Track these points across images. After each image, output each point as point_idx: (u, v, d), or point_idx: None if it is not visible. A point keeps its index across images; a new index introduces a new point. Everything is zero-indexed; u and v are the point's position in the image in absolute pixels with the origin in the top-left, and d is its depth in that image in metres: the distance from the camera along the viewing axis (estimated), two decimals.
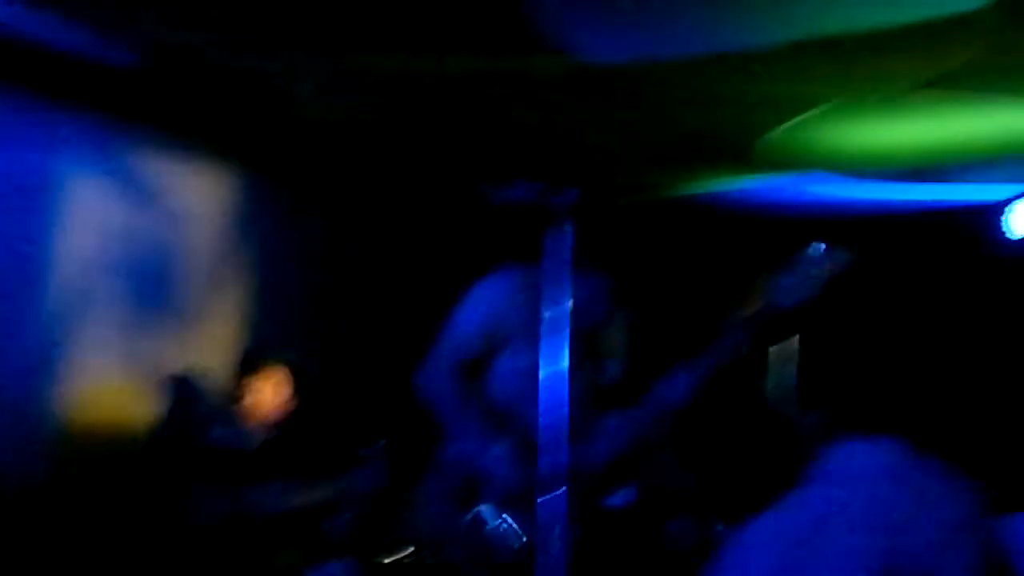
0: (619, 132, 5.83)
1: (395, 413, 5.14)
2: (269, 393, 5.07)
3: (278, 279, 5.94)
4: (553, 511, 3.09)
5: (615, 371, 4.10)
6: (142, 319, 5.18)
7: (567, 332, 3.21)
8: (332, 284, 6.26)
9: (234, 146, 5.67)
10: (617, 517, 4.00)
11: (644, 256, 3.97)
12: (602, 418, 3.95)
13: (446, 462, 3.94)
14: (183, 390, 5.34)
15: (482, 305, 3.95)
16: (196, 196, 5.52)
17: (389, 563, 4.45)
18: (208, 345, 5.54)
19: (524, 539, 3.69)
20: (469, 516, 3.85)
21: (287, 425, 5.12)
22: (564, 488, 3.12)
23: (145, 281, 5.20)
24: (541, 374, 3.17)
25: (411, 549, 4.43)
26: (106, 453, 4.93)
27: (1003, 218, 6.44)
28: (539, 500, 3.10)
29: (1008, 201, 6.48)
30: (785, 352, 4.50)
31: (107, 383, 5.02)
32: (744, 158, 6.11)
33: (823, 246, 3.93)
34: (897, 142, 5.76)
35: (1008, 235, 6.43)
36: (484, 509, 3.83)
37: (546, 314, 3.22)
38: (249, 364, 5.14)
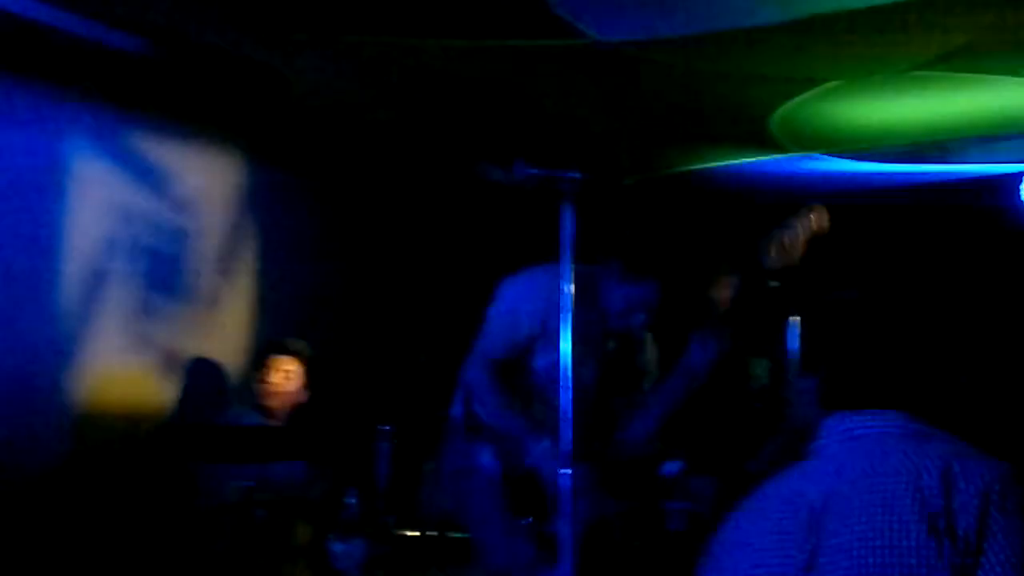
0: (623, 110, 5.84)
1: (404, 398, 5.19)
2: (285, 378, 5.11)
3: (287, 265, 5.96)
4: (569, 487, 3.21)
5: (645, 357, 4.14)
6: (155, 304, 5.21)
7: (569, 316, 3.28)
8: (339, 270, 6.29)
9: (242, 133, 5.69)
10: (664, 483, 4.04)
11: (651, 233, 3.97)
12: (638, 397, 3.99)
13: (486, 460, 3.95)
14: (198, 373, 5.38)
15: (511, 303, 3.94)
16: (206, 183, 5.54)
17: (403, 540, 4.49)
18: (219, 330, 5.58)
19: None
20: None
21: (301, 409, 5.17)
22: (576, 467, 3.22)
23: (157, 266, 5.23)
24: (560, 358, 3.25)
25: (424, 527, 4.47)
26: (122, 435, 4.97)
27: (1019, 189, 6.43)
28: (560, 473, 3.21)
29: (1019, 175, 6.48)
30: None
31: (121, 366, 5.06)
32: (748, 137, 6.12)
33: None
34: (899, 121, 5.77)
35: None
36: None
37: (558, 295, 3.29)
38: (266, 350, 5.20)
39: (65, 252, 4.81)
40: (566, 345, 3.28)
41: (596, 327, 3.88)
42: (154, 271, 5.22)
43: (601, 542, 3.71)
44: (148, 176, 5.22)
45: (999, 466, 2.12)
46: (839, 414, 2.25)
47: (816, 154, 6.45)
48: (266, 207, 5.86)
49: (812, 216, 3.99)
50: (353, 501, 4.49)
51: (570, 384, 3.25)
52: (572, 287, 3.33)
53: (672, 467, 4.00)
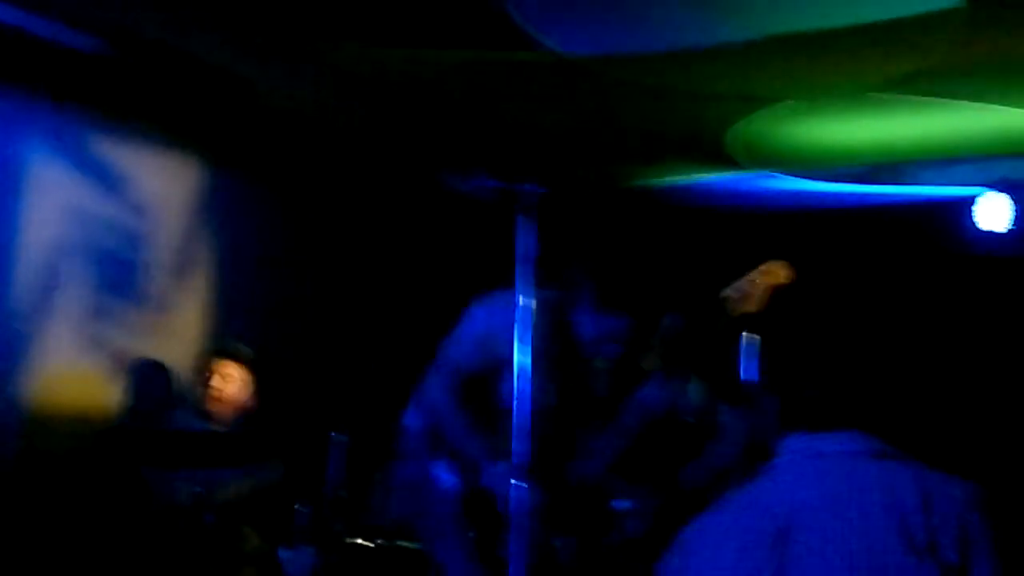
0: (582, 125, 5.86)
1: (356, 405, 5.17)
2: (231, 383, 5.08)
3: (242, 271, 5.93)
4: (520, 499, 3.24)
5: (605, 385, 4.15)
6: (107, 307, 5.17)
7: (531, 331, 3.29)
8: (295, 277, 6.26)
9: (200, 137, 5.66)
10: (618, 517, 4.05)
11: (611, 248, 3.98)
12: (593, 432, 4.00)
13: (444, 475, 3.95)
14: (146, 377, 5.34)
15: (481, 324, 3.93)
16: (162, 186, 5.50)
17: (354, 548, 4.48)
18: (172, 334, 5.54)
19: None
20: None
21: (249, 414, 5.14)
22: (526, 482, 3.25)
23: (110, 269, 5.19)
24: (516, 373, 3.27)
25: (375, 536, 4.46)
26: (71, 438, 4.93)
27: (971, 212, 6.50)
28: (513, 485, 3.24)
29: (972, 198, 6.55)
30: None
31: (71, 369, 5.01)
32: (706, 152, 6.15)
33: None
34: (855, 141, 5.82)
35: (977, 228, 6.49)
36: None
37: (517, 306, 3.29)
38: (212, 354, 5.16)
39: (18, 253, 4.77)
40: (524, 359, 3.29)
41: (566, 355, 3.88)
42: (108, 274, 5.18)
43: (548, 567, 3.71)
44: (104, 178, 5.18)
45: (972, 487, 2.15)
46: (801, 433, 2.26)
47: (771, 172, 6.49)
48: (223, 212, 5.83)
49: (771, 269, 4.06)
50: (304, 509, 4.47)
51: (528, 402, 3.26)
52: (535, 305, 3.34)
53: (624, 503, 4.00)
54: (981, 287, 6.64)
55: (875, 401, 2.28)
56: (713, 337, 4.27)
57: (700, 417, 4.37)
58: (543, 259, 3.40)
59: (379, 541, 4.45)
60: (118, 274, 5.24)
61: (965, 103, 5.04)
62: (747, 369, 4.67)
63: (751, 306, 4.07)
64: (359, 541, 4.50)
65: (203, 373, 5.11)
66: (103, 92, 5.03)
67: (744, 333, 4.43)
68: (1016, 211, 6.26)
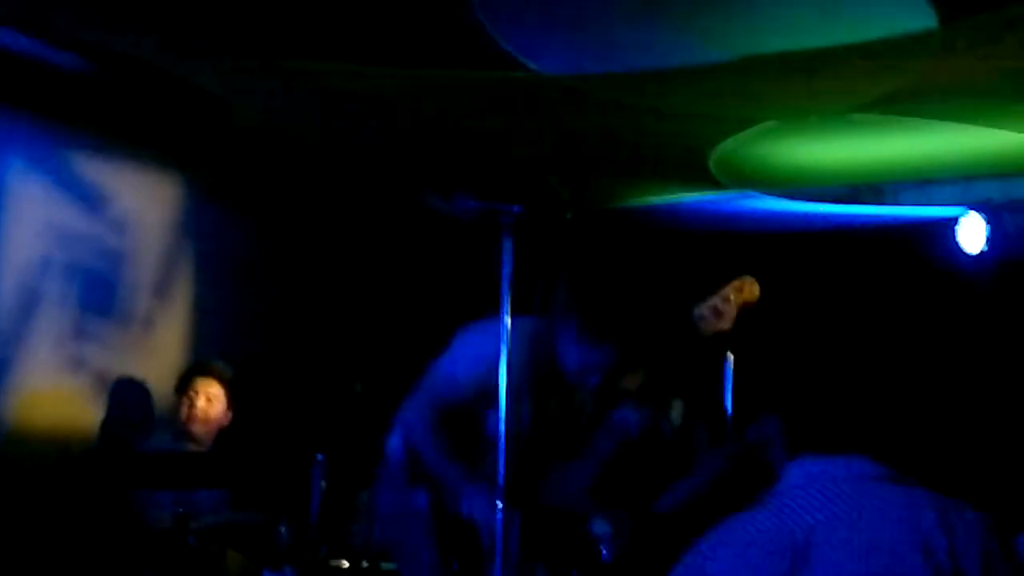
0: (563, 144, 5.87)
1: (338, 426, 5.16)
2: (211, 402, 5.06)
3: (222, 289, 5.92)
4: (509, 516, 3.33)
5: (584, 413, 4.16)
6: (87, 325, 5.15)
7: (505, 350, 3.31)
8: (276, 296, 6.25)
9: (181, 155, 5.65)
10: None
11: (593, 269, 3.98)
12: (570, 457, 4.00)
13: (422, 502, 3.95)
14: (126, 396, 5.32)
15: (469, 354, 3.93)
16: (142, 204, 5.50)
17: (335, 570, 4.47)
18: (152, 353, 5.52)
19: None
20: None
21: (226, 433, 5.12)
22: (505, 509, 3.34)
23: (90, 287, 5.17)
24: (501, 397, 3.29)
25: (358, 558, 4.45)
26: (50, 458, 4.90)
27: (955, 234, 6.52)
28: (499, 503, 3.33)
29: (954, 219, 6.57)
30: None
31: (51, 389, 5.00)
32: (686, 174, 6.17)
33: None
34: (836, 162, 5.84)
35: (959, 250, 6.51)
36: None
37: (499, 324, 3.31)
38: (192, 373, 5.14)
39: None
40: (506, 386, 3.31)
41: (548, 383, 3.88)
42: (88, 292, 5.17)
43: None
44: (84, 196, 5.17)
45: (985, 515, 2.15)
46: (808, 456, 2.24)
47: (753, 193, 6.51)
48: (203, 231, 5.82)
49: (743, 286, 4.08)
50: (284, 530, 4.46)
51: (502, 428, 3.28)
52: (519, 332, 3.36)
53: (601, 526, 4.00)
54: (965, 307, 6.65)
55: (883, 425, 2.26)
56: (694, 358, 4.29)
57: (679, 438, 4.37)
58: (526, 281, 3.41)
59: (360, 563, 4.44)
60: (98, 292, 5.23)
61: (944, 123, 5.07)
62: (730, 390, 4.69)
63: (724, 324, 4.09)
64: (340, 563, 4.49)
65: (183, 392, 5.08)
66: (83, 110, 5.02)
67: (727, 355, 4.45)
68: (992, 232, 6.28)
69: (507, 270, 3.32)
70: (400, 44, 4.35)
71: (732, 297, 4.09)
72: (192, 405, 5.03)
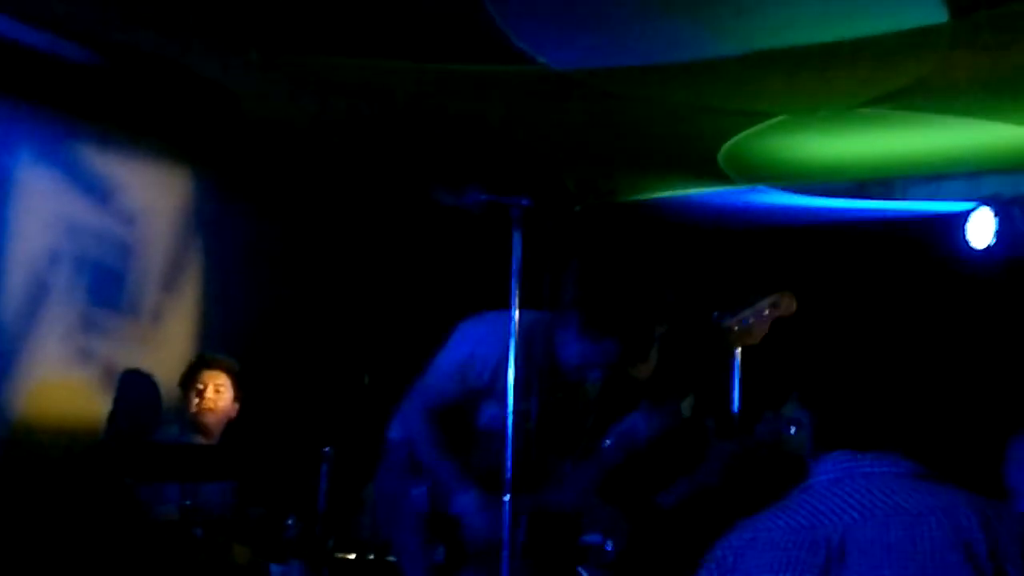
0: (573, 138, 5.87)
1: (346, 420, 5.16)
2: (218, 394, 5.06)
3: (230, 281, 5.92)
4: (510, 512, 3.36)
5: (586, 411, 4.15)
6: (97, 317, 5.16)
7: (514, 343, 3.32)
8: (288, 289, 6.25)
9: (190, 147, 5.66)
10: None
11: (602, 262, 3.97)
12: (572, 459, 4.00)
13: (417, 495, 3.96)
14: (134, 388, 5.33)
15: (461, 352, 3.92)
16: (151, 196, 5.50)
17: (342, 563, 4.47)
18: (160, 345, 5.53)
19: None
20: None
21: (233, 425, 5.12)
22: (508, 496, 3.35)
23: (100, 280, 5.18)
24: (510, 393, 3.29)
25: (365, 550, 4.46)
26: (58, 450, 4.91)
27: (964, 229, 6.49)
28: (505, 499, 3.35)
29: (964, 213, 6.55)
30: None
31: (60, 381, 5.00)
32: (696, 168, 6.16)
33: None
34: (846, 156, 5.83)
35: (969, 245, 6.49)
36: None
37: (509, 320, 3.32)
38: (199, 366, 5.14)
39: (6, 263, 4.76)
40: (511, 372, 3.31)
41: (548, 380, 3.87)
42: (97, 284, 5.17)
43: None
44: (93, 189, 5.18)
45: (1020, 514, 2.11)
46: (838, 452, 2.21)
47: (762, 187, 6.50)
48: (212, 223, 5.83)
49: (780, 301, 4.06)
50: (292, 523, 4.47)
51: (509, 423, 3.29)
52: (523, 327, 3.37)
53: (594, 538, 3.99)
54: (981, 302, 6.63)
55: (915, 421, 2.23)
56: (706, 354, 4.27)
57: (687, 432, 4.36)
58: (534, 275, 3.41)
59: (367, 555, 4.44)
60: (106, 284, 5.23)
61: (953, 118, 5.05)
62: (737, 386, 4.67)
63: (753, 340, 4.08)
64: (347, 556, 4.50)
65: (190, 384, 5.09)
66: (91, 103, 5.03)
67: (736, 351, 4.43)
68: (1001, 226, 6.26)
69: (516, 263, 3.32)
70: (409, 38, 4.35)
71: (768, 312, 4.07)
72: (199, 397, 5.03)
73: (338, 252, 6.48)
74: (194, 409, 5.03)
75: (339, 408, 5.51)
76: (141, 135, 5.40)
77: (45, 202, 4.94)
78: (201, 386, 5.05)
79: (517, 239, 3.30)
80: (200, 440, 5.00)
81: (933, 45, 4.12)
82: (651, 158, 6.19)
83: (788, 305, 4.12)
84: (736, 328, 4.06)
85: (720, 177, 6.27)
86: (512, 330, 3.39)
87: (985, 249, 6.39)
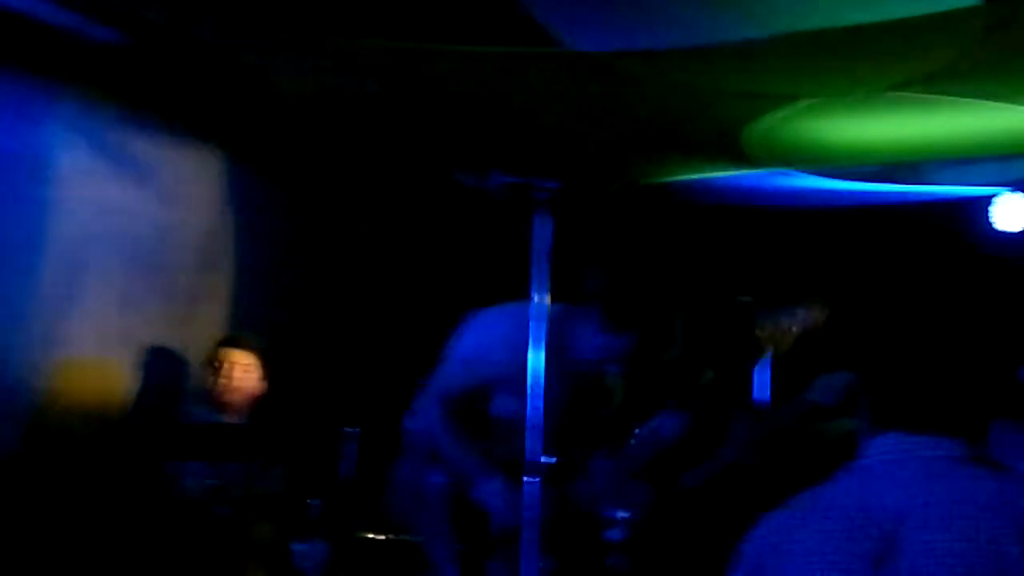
0: (600, 120, 5.86)
1: (370, 399, 5.17)
2: (244, 374, 5.08)
3: (265, 263, 5.95)
4: (532, 495, 3.28)
5: (612, 405, 4.14)
6: (131, 298, 5.18)
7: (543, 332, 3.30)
8: (318, 270, 6.28)
9: (223, 129, 5.67)
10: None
11: (626, 245, 3.97)
12: (597, 454, 3.99)
13: (437, 482, 3.97)
14: (162, 367, 5.36)
15: (473, 344, 3.92)
16: (181, 176, 5.52)
17: (366, 542, 4.49)
18: (188, 324, 5.55)
19: None
20: None
21: (260, 405, 5.14)
22: (538, 478, 3.28)
23: (133, 260, 5.20)
24: (530, 378, 3.28)
25: (388, 530, 4.47)
26: (87, 427, 4.94)
27: (990, 212, 6.47)
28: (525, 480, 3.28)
29: (990, 197, 6.52)
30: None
31: (92, 360, 5.03)
32: (725, 150, 6.14)
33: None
34: (874, 140, 5.80)
35: (996, 228, 6.46)
36: None
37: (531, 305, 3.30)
38: (225, 345, 5.16)
39: (42, 244, 4.78)
40: (537, 360, 3.29)
41: (566, 372, 3.86)
42: (131, 265, 5.19)
43: None
44: (128, 169, 5.19)
45: None
46: (894, 433, 2.16)
47: (788, 170, 6.48)
48: (244, 205, 5.85)
49: (812, 312, 4.06)
50: (316, 502, 4.48)
51: (531, 414, 3.28)
52: (545, 317, 3.35)
53: (616, 533, 3.99)
54: (1001, 286, 6.59)
55: (973, 405, 2.18)
56: (729, 337, 4.27)
57: (709, 410, 4.35)
58: (558, 261, 3.40)
59: (391, 535, 4.46)
60: (141, 265, 5.25)
61: (983, 102, 5.02)
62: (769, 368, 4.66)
63: (783, 347, 4.08)
64: (371, 535, 4.51)
65: (215, 363, 5.11)
66: (127, 83, 5.04)
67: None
68: None
69: (542, 248, 3.30)
70: (435, 19, 4.34)
71: (798, 323, 4.08)
72: (226, 376, 5.05)
73: (369, 235, 6.50)
74: (219, 388, 5.05)
75: (365, 389, 5.53)
76: (174, 117, 5.42)
77: (79, 183, 4.95)
78: (226, 365, 5.07)
79: (541, 223, 3.28)
80: (227, 419, 5.02)
81: (964, 28, 4.09)
82: (677, 140, 6.17)
83: (817, 317, 4.13)
84: (767, 335, 4.07)
85: (747, 161, 6.25)
86: (534, 316, 3.36)
87: (1016, 232, 6.37)
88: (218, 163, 5.73)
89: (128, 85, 5.06)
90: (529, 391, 3.30)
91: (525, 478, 3.31)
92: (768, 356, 4.49)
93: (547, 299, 3.31)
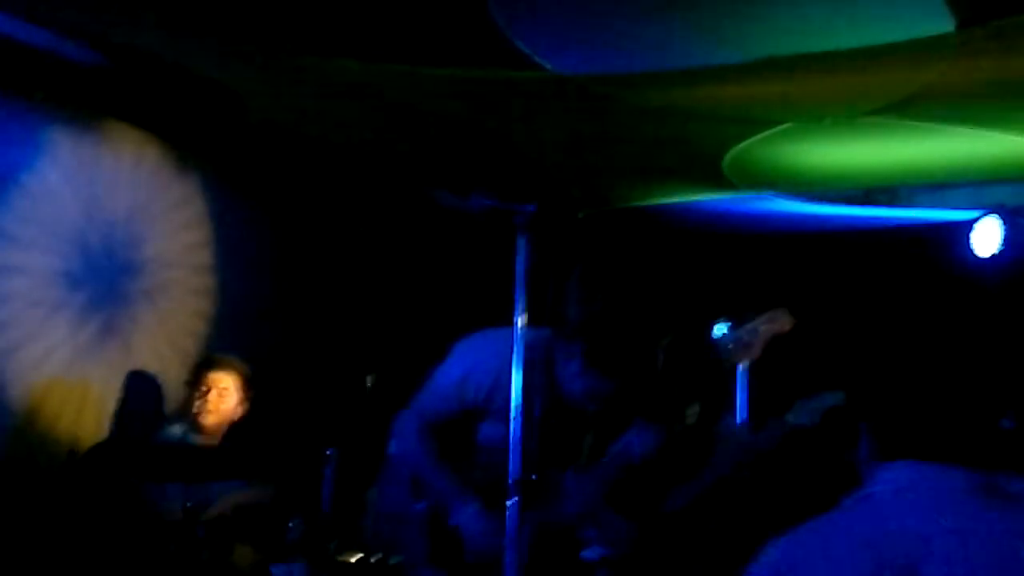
0: (578, 144, 5.88)
1: (350, 422, 5.17)
2: (223, 395, 5.06)
3: (236, 283, 5.94)
4: (512, 516, 3.37)
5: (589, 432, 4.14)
6: (98, 318, 5.17)
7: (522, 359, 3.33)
8: (294, 290, 6.28)
9: (198, 148, 5.67)
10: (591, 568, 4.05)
11: (605, 269, 3.96)
12: (571, 475, 4.00)
13: (419, 508, 3.97)
14: (140, 388, 5.34)
15: (462, 366, 3.92)
16: (154, 196, 5.52)
17: (344, 564, 4.48)
18: (166, 344, 5.55)
19: None
20: None
21: (238, 428, 5.13)
22: (516, 498, 3.35)
23: (104, 278, 5.19)
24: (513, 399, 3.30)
25: (367, 552, 4.46)
26: (62, 448, 4.92)
27: (969, 237, 6.50)
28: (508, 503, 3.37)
29: (970, 222, 6.56)
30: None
31: (65, 379, 5.01)
32: (700, 174, 6.17)
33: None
34: (851, 164, 5.84)
35: (975, 253, 6.49)
36: None
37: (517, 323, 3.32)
38: (204, 366, 5.15)
39: (12, 261, 4.77)
40: (517, 377, 3.31)
41: (547, 401, 3.86)
42: (104, 284, 5.18)
43: None
44: (101, 189, 5.19)
45: None
46: (902, 462, 2.13)
47: (767, 194, 6.51)
48: (219, 223, 5.85)
49: (774, 319, 4.08)
50: (295, 524, 4.48)
51: (512, 436, 3.30)
52: (525, 344, 3.37)
53: (593, 552, 4.00)
54: (994, 311, 6.62)
55: (981, 434, 2.15)
56: (709, 363, 4.28)
57: (693, 438, 4.36)
58: (537, 283, 3.41)
59: (370, 557, 4.45)
60: (113, 284, 5.24)
61: (957, 128, 5.06)
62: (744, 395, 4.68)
63: (751, 356, 4.10)
64: (350, 558, 4.50)
65: (194, 385, 5.09)
66: (101, 102, 5.04)
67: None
68: (1008, 235, 6.27)
69: (521, 269, 3.33)
70: (414, 43, 4.36)
71: (762, 329, 4.10)
72: (203, 398, 5.03)
73: (344, 255, 6.50)
74: (196, 410, 5.03)
75: (343, 410, 5.53)
76: (150, 134, 5.42)
77: (53, 201, 4.95)
78: (205, 387, 5.05)
79: (522, 245, 3.31)
80: (203, 440, 5.00)
81: (939, 54, 4.12)
82: (654, 165, 6.19)
83: (784, 323, 4.16)
84: (732, 346, 4.09)
85: (725, 184, 6.27)
86: (516, 336, 3.39)
87: (991, 257, 6.40)
88: (194, 182, 5.73)
89: (102, 103, 5.06)
90: (512, 412, 3.32)
91: (508, 501, 3.33)
92: (743, 373, 4.51)
93: (522, 321, 3.34)
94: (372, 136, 5.80)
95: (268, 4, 4.05)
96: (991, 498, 2.07)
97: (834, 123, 5.10)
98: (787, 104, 4.92)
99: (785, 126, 5.19)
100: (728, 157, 5.75)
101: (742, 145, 5.52)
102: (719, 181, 6.21)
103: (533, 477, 3.41)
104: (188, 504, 4.38)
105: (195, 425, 5.02)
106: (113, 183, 5.25)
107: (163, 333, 5.54)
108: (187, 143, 5.61)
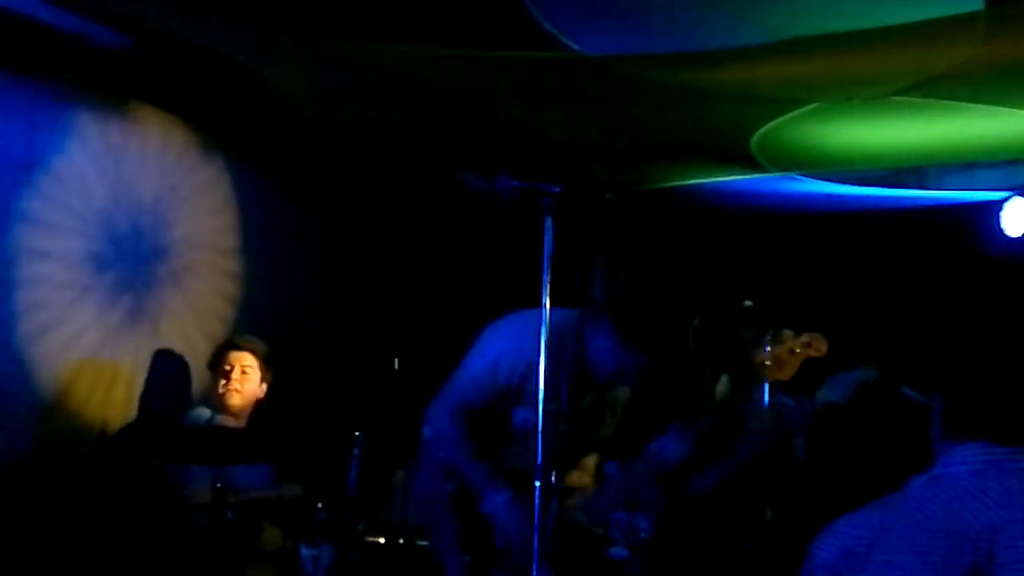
0: (608, 125, 5.86)
1: (377, 404, 5.18)
2: (248, 377, 5.08)
3: (267, 265, 5.95)
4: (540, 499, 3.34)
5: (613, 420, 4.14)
6: (125, 300, 5.19)
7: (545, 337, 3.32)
8: (320, 273, 6.28)
9: (224, 131, 5.68)
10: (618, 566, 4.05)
11: (633, 250, 3.94)
12: (607, 465, 4.00)
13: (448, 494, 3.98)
14: (166, 370, 5.36)
15: (493, 351, 3.91)
16: (187, 180, 5.53)
17: (372, 547, 4.49)
18: (197, 329, 5.56)
19: None
20: None
21: (265, 410, 5.14)
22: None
23: (134, 263, 5.21)
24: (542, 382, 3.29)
25: (395, 535, 4.48)
26: (89, 431, 4.94)
27: (999, 217, 6.46)
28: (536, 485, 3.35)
29: (1000, 202, 6.51)
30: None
31: (92, 362, 5.04)
32: (730, 155, 6.15)
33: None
34: (879, 144, 5.81)
35: (1004, 233, 6.45)
36: None
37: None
38: (229, 348, 5.16)
39: (41, 245, 4.79)
40: (546, 359, 3.31)
41: (577, 381, 3.85)
42: (131, 267, 5.20)
43: None
44: (130, 172, 5.20)
45: None
46: (975, 443, 2.11)
47: (795, 175, 6.48)
48: (245, 206, 5.85)
49: (812, 342, 4.07)
50: (322, 507, 4.49)
51: (540, 423, 3.30)
52: (553, 326, 3.36)
53: (620, 552, 3.99)
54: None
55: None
56: (740, 343, 4.26)
57: (724, 413, 4.35)
58: (565, 264, 3.40)
59: (397, 540, 4.46)
60: (142, 268, 5.26)
61: (986, 107, 5.02)
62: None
63: (784, 375, 4.09)
64: (377, 540, 4.52)
65: (217, 367, 5.11)
66: (128, 85, 5.05)
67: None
68: None
69: (547, 250, 3.32)
70: (441, 24, 4.35)
71: (799, 351, 4.09)
72: (226, 379, 5.05)
73: (370, 237, 6.50)
74: (220, 390, 5.04)
75: (369, 393, 5.53)
76: (177, 118, 5.43)
77: (81, 185, 4.96)
78: (228, 367, 5.06)
79: (548, 226, 3.30)
80: (228, 422, 5.02)
81: (969, 33, 4.09)
82: (681, 145, 6.17)
83: (818, 347, 4.15)
84: (766, 361, 4.08)
85: (752, 165, 6.25)
86: (543, 319, 3.38)
87: (1021, 237, 6.36)
88: (221, 165, 5.74)
89: (129, 86, 5.06)
90: (541, 396, 3.32)
91: (536, 483, 3.33)
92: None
93: (547, 302, 3.33)
94: (397, 118, 5.79)
95: None
96: None
97: (862, 103, 5.07)
98: (814, 84, 4.90)
99: (813, 106, 5.17)
100: (756, 137, 5.72)
101: (770, 125, 5.50)
102: (747, 161, 6.18)
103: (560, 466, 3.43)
104: (218, 485, 4.39)
105: (221, 406, 5.04)
106: (140, 166, 5.26)
107: (190, 315, 5.55)
108: (214, 126, 5.61)
